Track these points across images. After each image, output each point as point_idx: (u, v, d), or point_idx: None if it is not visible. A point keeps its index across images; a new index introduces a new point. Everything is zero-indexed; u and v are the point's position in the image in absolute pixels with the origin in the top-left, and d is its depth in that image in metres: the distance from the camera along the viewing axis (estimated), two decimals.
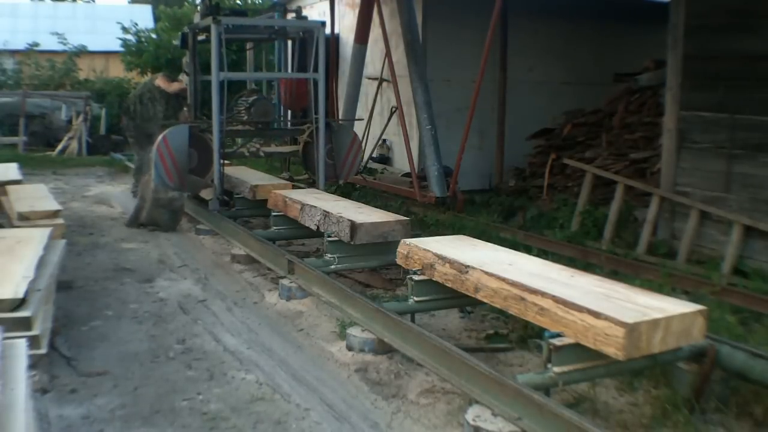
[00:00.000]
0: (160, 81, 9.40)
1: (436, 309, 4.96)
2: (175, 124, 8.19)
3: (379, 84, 11.04)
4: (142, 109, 9.34)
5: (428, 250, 4.55)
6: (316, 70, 7.92)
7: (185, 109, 9.23)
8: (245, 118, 8.70)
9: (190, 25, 8.80)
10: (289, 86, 9.40)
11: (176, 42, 16.82)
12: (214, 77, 7.51)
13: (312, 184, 8.29)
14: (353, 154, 8.65)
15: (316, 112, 8.03)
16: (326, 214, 5.88)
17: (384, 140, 11.63)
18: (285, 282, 5.65)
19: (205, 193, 8.15)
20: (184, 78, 9.31)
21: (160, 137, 7.73)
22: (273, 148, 9.53)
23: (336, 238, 5.69)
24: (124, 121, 9.64)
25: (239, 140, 10.91)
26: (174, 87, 9.35)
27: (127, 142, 10.37)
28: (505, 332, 4.77)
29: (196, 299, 5.58)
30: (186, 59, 9.04)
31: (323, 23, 8.05)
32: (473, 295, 4.13)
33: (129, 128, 9.54)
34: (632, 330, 3.18)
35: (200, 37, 8.77)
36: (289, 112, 10.54)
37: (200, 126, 8.09)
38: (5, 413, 2.29)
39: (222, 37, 7.53)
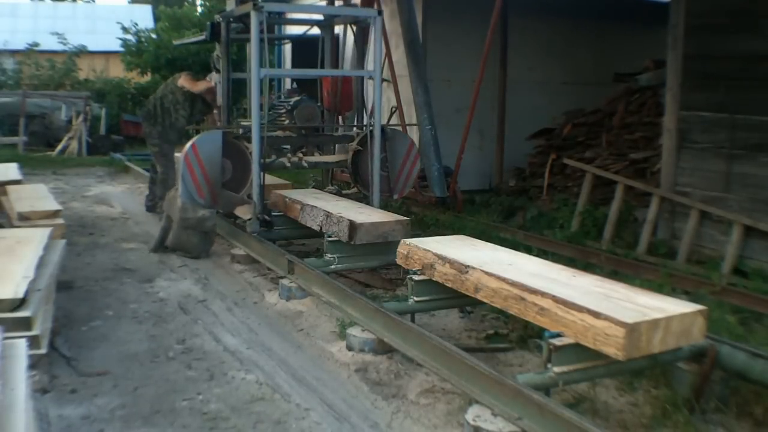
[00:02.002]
0: (183, 81, 8.29)
1: (436, 309, 4.96)
2: (203, 126, 7.40)
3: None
4: (163, 114, 8.32)
5: (428, 250, 4.55)
6: (349, 65, 7.12)
7: (215, 111, 8.26)
8: (286, 122, 7.55)
9: (222, 13, 7.64)
10: (333, 86, 8.02)
11: (194, 38, 16.35)
12: (254, 74, 6.46)
13: (362, 199, 7.24)
14: (410, 164, 7.56)
15: (371, 116, 7.02)
16: (328, 215, 5.89)
17: None
18: (285, 282, 5.65)
19: (241, 211, 6.94)
20: (213, 77, 8.17)
21: (188, 145, 6.64)
22: (318, 158, 8.00)
23: (336, 238, 5.69)
24: (145, 127, 8.56)
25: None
26: (200, 87, 8.27)
27: (151, 154, 8.99)
28: (505, 332, 4.77)
29: (196, 299, 5.58)
30: (216, 54, 7.88)
31: (380, 12, 6.99)
32: (473, 295, 4.14)
33: (152, 135, 8.43)
34: (632, 330, 3.18)
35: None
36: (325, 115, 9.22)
37: (234, 132, 7.09)
38: (5, 413, 2.29)
39: (264, 26, 6.45)
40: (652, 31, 10.03)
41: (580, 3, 10.81)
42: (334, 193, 7.40)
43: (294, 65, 13.68)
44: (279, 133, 7.43)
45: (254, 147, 6.51)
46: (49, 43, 21.85)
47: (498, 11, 8.64)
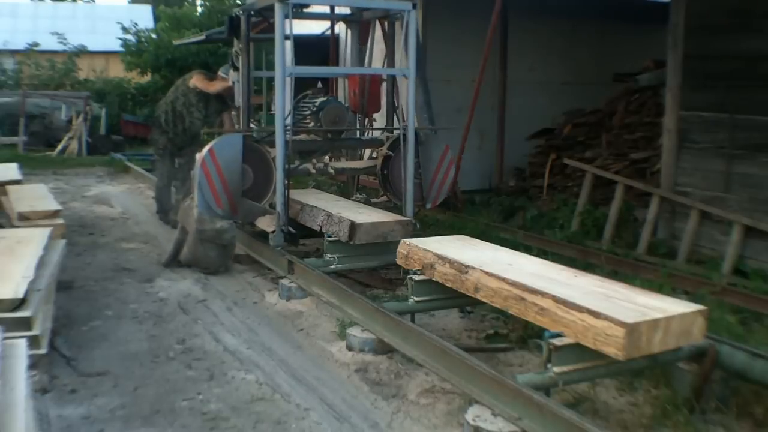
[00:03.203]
0: (196, 81, 7.70)
1: (436, 309, 4.96)
2: (216, 128, 6.95)
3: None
4: (176, 119, 7.78)
5: (428, 250, 4.55)
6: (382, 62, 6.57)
7: (233, 113, 7.65)
8: (311, 125, 6.87)
9: (243, 6, 7.07)
10: (360, 85, 7.32)
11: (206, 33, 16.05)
12: (279, 72, 5.99)
13: (393, 208, 6.69)
14: (444, 170, 7.02)
15: (404, 118, 6.47)
16: (328, 215, 5.87)
17: None
18: (285, 282, 5.65)
19: (263, 223, 6.35)
20: (230, 74, 7.44)
21: (205, 150, 6.12)
22: (345, 164, 7.45)
23: (336, 238, 5.69)
24: (154, 134, 8.05)
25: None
26: (216, 86, 7.65)
27: (153, 160, 8.62)
28: (505, 332, 4.77)
29: (196, 299, 5.58)
30: (235, 50, 7.22)
31: (414, 5, 6.36)
32: (473, 295, 4.13)
33: (158, 143, 8.00)
34: (632, 330, 3.18)
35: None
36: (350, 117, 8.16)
37: (255, 135, 6.55)
38: (5, 413, 2.29)
39: (290, 20, 5.98)
40: (652, 31, 10.03)
41: (580, 3, 10.81)
42: (363, 202, 6.89)
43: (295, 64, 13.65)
44: (303, 136, 6.86)
45: (278, 152, 5.99)
46: (49, 43, 21.86)
47: (498, 11, 8.63)
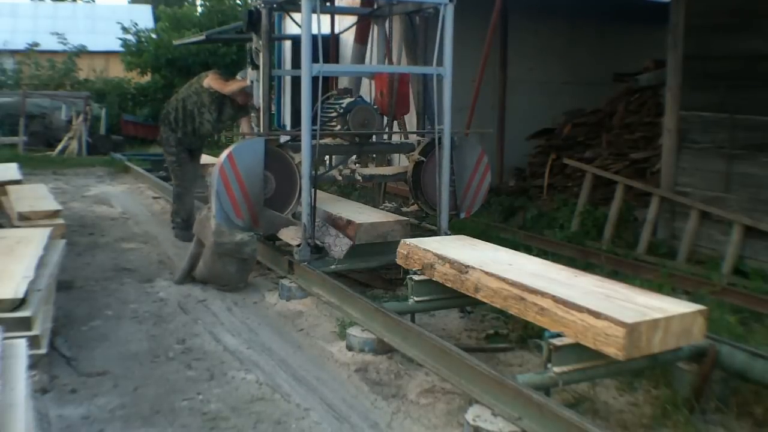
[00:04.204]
0: (210, 81, 7.15)
1: (436, 309, 4.96)
2: (234, 133, 6.42)
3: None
4: (185, 118, 7.23)
5: (428, 250, 4.55)
6: (417, 60, 6.16)
7: (252, 115, 7.15)
8: (337, 127, 6.38)
9: None
10: (387, 85, 6.83)
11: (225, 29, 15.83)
12: (306, 71, 5.56)
13: (425, 218, 6.46)
14: (479, 177, 6.58)
15: (440, 121, 6.03)
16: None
17: None
18: (285, 282, 5.65)
19: (287, 235, 5.88)
20: (249, 74, 6.98)
21: (224, 155, 5.72)
22: (373, 170, 6.87)
23: None
24: (162, 132, 7.51)
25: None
26: (232, 87, 7.08)
27: (164, 163, 7.84)
28: (505, 332, 4.77)
29: (196, 299, 5.57)
30: (254, 46, 6.70)
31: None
32: (473, 295, 4.13)
33: (169, 142, 7.37)
34: (632, 330, 3.18)
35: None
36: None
37: (278, 140, 6.07)
38: (5, 413, 2.29)
39: (318, 12, 5.53)
40: (652, 31, 10.03)
41: (580, 3, 10.82)
42: (392, 212, 6.46)
43: (294, 65, 13.67)
44: (328, 140, 6.35)
45: (304, 157, 5.54)
46: (49, 43, 21.86)
47: (498, 11, 8.64)
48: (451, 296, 4.52)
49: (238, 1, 21.86)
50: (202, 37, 16.25)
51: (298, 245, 5.60)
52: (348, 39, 11.97)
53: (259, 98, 6.66)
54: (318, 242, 5.60)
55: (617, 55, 11.13)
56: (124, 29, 20.76)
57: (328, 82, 10.30)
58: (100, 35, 25.81)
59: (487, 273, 4.03)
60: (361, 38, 10.58)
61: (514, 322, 4.66)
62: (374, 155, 7.22)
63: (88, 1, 37.27)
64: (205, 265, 5.69)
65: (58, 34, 21.83)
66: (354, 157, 6.85)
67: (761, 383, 3.60)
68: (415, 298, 4.55)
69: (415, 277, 4.56)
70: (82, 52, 21.86)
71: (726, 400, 3.64)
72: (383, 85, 6.81)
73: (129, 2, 39.50)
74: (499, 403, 3.33)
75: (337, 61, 11.72)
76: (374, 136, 6.53)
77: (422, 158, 6.43)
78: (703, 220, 6.83)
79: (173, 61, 19.33)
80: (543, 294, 3.62)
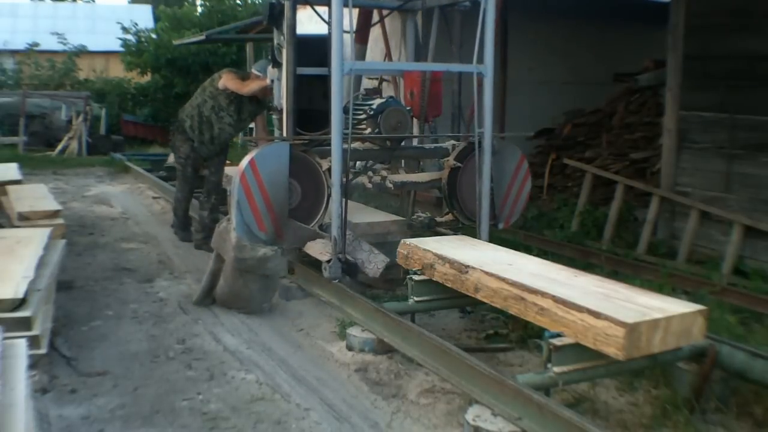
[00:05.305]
0: (226, 81, 6.68)
1: (436, 309, 4.96)
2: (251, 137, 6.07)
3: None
4: (202, 126, 6.81)
5: (428, 250, 4.55)
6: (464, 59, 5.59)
7: (271, 114, 6.63)
8: (367, 131, 5.93)
9: None
10: (417, 84, 6.35)
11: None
12: (336, 69, 5.07)
13: (460, 229, 5.99)
14: (519, 184, 6.17)
15: (480, 124, 5.57)
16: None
17: None
18: (285, 282, 5.64)
19: (314, 250, 5.38)
20: (269, 72, 6.45)
21: (245, 162, 5.26)
22: (405, 176, 6.28)
23: None
24: (175, 140, 7.04)
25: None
26: (252, 87, 6.61)
27: (177, 170, 7.35)
28: (505, 332, 4.77)
29: None
30: (277, 43, 6.17)
31: None
32: (473, 295, 4.14)
33: (179, 151, 7.00)
34: (632, 330, 3.18)
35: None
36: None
37: (302, 144, 5.54)
38: (5, 413, 2.29)
39: (350, 6, 5.14)
40: (652, 31, 10.03)
41: (581, 3, 10.81)
42: (426, 223, 6.01)
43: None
44: (357, 144, 5.82)
45: (334, 163, 5.11)
46: (49, 43, 21.89)
47: (498, 11, 8.62)
48: (451, 296, 4.52)
49: (238, 1, 21.88)
50: (202, 37, 16.29)
51: (328, 261, 5.15)
52: (347, 39, 11.95)
53: (281, 99, 6.03)
54: (349, 258, 5.19)
55: (617, 55, 11.13)
56: (124, 29, 20.79)
57: (328, 83, 10.29)
58: (100, 35, 25.84)
59: (487, 273, 4.03)
60: (361, 38, 10.59)
61: (514, 322, 4.66)
62: (403, 161, 6.66)
63: (88, 1, 37.29)
64: (226, 284, 5.15)
65: (58, 34, 21.86)
66: (381, 163, 6.33)
67: (761, 383, 3.60)
68: (415, 298, 4.55)
69: (415, 277, 4.56)
70: (82, 52, 21.90)
71: (726, 400, 3.64)
72: (413, 85, 6.28)
73: (129, 2, 39.50)
74: (499, 403, 3.33)
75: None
76: (405, 140, 6.09)
77: (458, 164, 5.98)
78: (703, 220, 6.83)
79: (173, 61, 19.35)
80: (543, 294, 3.62)
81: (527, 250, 5.80)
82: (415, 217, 6.23)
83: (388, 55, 9.66)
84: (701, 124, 6.95)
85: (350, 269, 5.18)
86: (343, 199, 5.12)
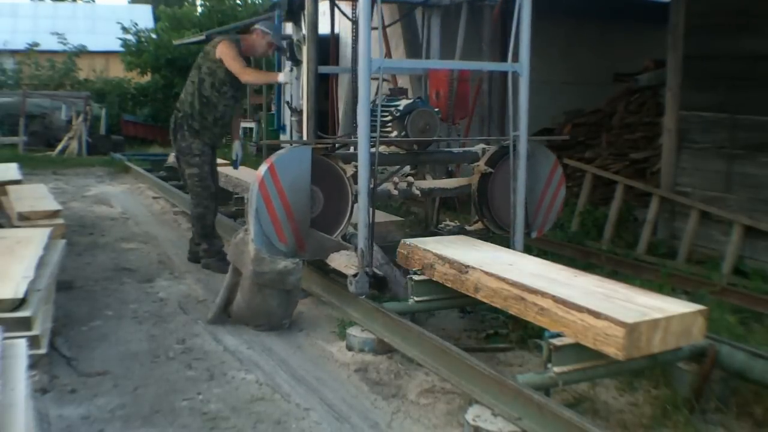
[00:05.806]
0: (223, 55, 5.93)
1: (436, 309, 4.95)
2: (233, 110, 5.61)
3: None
4: (203, 109, 6.06)
5: (428, 250, 4.55)
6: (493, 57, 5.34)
7: (294, 119, 5.89)
8: (393, 133, 5.54)
9: None
10: (444, 84, 6.06)
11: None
12: (364, 67, 4.67)
13: (490, 238, 5.48)
14: (553, 190, 5.79)
15: (515, 126, 5.27)
16: None
17: None
18: None
19: (338, 262, 4.97)
20: (286, 72, 5.81)
21: (263, 168, 4.84)
22: (433, 183, 5.83)
23: None
24: (181, 140, 6.17)
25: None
26: (255, 77, 6.36)
27: (184, 178, 6.52)
28: (505, 332, 4.77)
29: (196, 299, 5.57)
30: (297, 39, 5.65)
31: None
32: (473, 295, 4.14)
33: (192, 151, 6.15)
34: (632, 330, 3.18)
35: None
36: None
37: (324, 148, 5.10)
38: (5, 413, 2.29)
39: (379, 4, 4.85)
40: (652, 31, 10.02)
41: (581, 3, 10.81)
42: (456, 233, 5.62)
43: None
44: (383, 148, 5.41)
45: (361, 169, 4.66)
46: (49, 43, 21.89)
47: (498, 11, 8.62)
48: (451, 296, 4.52)
49: (238, 1, 21.88)
50: (202, 37, 16.26)
51: (354, 275, 4.72)
52: (348, 39, 11.95)
53: (302, 99, 5.43)
54: (377, 272, 4.84)
55: (617, 55, 11.13)
56: (124, 29, 20.79)
57: (327, 83, 10.30)
58: (100, 35, 25.85)
59: (487, 273, 4.03)
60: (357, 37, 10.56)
61: (514, 322, 4.66)
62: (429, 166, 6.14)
63: (88, 1, 37.31)
64: (244, 300, 4.78)
65: (58, 34, 21.86)
66: (407, 168, 5.94)
67: (761, 383, 3.60)
68: (415, 298, 4.55)
69: (415, 277, 4.55)
70: (82, 52, 21.90)
71: (726, 400, 3.64)
72: (440, 85, 5.99)
73: (129, 2, 39.51)
74: (499, 403, 3.33)
75: (337, 63, 11.72)
76: (433, 144, 5.71)
77: (490, 169, 5.59)
78: (703, 220, 6.83)
79: (173, 61, 19.35)
80: (543, 294, 3.62)
81: (527, 250, 5.78)
82: (442, 225, 5.96)
83: (388, 55, 9.67)
84: (701, 124, 6.95)
85: (379, 284, 4.86)
86: (371, 208, 4.69)
